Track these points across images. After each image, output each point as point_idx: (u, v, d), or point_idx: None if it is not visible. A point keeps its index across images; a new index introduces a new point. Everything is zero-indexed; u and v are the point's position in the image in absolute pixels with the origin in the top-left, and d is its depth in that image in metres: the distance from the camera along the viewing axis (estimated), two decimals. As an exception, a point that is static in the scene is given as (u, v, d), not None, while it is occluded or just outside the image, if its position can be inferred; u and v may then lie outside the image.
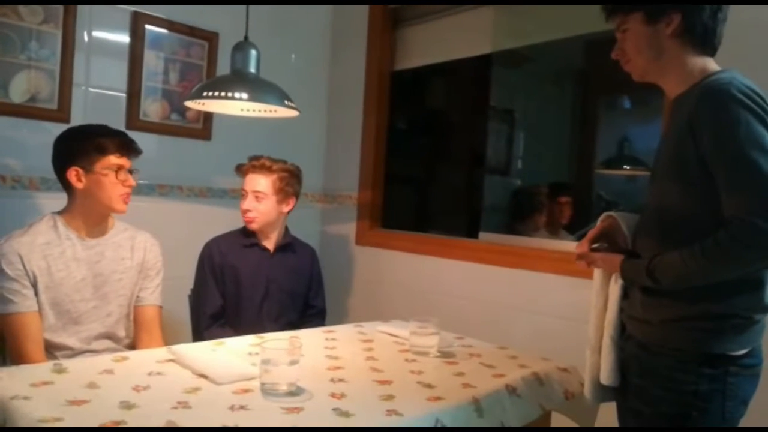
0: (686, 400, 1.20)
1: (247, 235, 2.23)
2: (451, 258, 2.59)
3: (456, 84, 3.41)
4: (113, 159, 1.74)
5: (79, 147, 1.74)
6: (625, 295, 1.34)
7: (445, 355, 1.68)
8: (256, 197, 2.16)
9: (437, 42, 2.78)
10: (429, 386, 1.40)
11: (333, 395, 1.31)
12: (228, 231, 2.27)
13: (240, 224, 2.24)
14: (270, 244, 2.25)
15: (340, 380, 1.42)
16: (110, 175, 1.73)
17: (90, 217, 1.79)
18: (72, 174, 1.73)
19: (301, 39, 3.00)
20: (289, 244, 2.29)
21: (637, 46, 1.30)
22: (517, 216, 3.01)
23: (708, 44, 1.27)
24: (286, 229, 2.30)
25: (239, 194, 2.24)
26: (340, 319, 2.79)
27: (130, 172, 1.80)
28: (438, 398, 1.33)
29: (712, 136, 1.14)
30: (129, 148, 1.78)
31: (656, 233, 1.27)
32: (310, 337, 1.80)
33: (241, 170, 2.20)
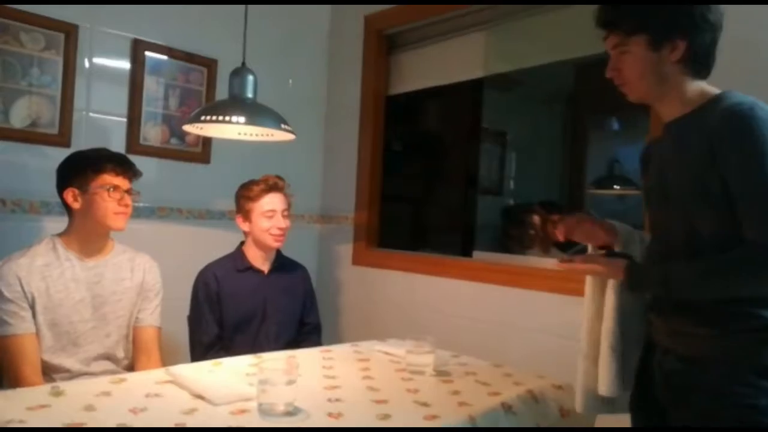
0: (743, 414, 1.15)
1: (239, 260, 2.23)
2: (446, 277, 2.61)
3: (449, 107, 3.47)
4: (107, 178, 1.77)
5: (76, 168, 1.79)
6: (651, 308, 1.31)
7: (441, 373, 1.69)
8: (284, 215, 2.19)
9: (431, 67, 2.83)
10: (425, 405, 1.41)
11: (330, 415, 1.32)
12: (220, 257, 2.28)
13: (233, 248, 2.26)
14: (264, 266, 2.25)
15: (337, 400, 1.43)
16: (104, 193, 1.76)
17: (89, 237, 1.82)
18: (69, 195, 1.77)
19: (298, 64, 3.05)
20: (282, 265, 2.30)
21: (640, 71, 1.27)
22: (507, 234, 3.03)
23: (706, 68, 1.27)
24: (278, 250, 2.32)
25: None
26: (337, 339, 2.80)
27: (129, 193, 1.82)
28: (434, 416, 1.34)
29: (738, 161, 1.13)
30: (124, 168, 1.81)
31: (689, 257, 1.22)
32: (307, 356, 1.82)
33: (259, 191, 2.18)
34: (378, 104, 2.99)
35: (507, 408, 1.47)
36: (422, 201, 3.56)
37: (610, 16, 1.29)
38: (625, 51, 1.27)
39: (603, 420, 1.62)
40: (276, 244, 2.21)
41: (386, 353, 1.89)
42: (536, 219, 3.00)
